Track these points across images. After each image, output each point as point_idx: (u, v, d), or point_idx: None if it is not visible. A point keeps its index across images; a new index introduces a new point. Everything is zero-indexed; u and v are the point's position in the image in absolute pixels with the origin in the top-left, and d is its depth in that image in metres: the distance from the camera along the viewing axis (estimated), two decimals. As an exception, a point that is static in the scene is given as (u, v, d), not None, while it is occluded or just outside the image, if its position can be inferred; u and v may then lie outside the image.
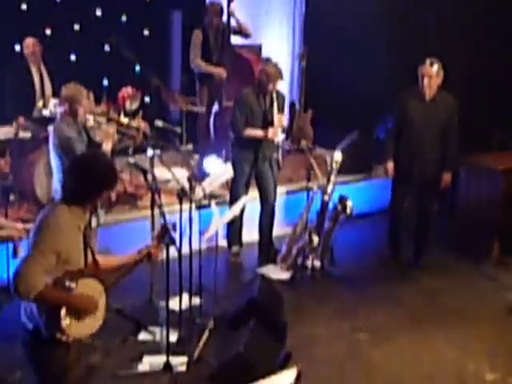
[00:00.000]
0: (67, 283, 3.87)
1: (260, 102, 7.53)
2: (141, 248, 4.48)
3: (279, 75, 7.46)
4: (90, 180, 3.99)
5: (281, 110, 7.68)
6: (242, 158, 7.59)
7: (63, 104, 6.21)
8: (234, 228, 7.89)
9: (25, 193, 7.86)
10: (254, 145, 7.56)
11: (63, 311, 3.86)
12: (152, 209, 6.67)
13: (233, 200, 7.52)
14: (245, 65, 9.19)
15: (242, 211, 7.43)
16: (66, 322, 3.88)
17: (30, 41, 8.66)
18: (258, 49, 9.92)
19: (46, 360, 4.01)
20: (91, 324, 4.07)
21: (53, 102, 8.13)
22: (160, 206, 5.41)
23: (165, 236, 4.76)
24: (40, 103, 8.38)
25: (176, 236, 5.07)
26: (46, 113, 8.23)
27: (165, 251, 5.25)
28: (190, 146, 9.73)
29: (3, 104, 8.62)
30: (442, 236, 8.47)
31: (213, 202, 6.71)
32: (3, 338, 5.59)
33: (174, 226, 4.95)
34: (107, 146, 6.23)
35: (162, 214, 5.19)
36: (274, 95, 7.55)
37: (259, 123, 7.53)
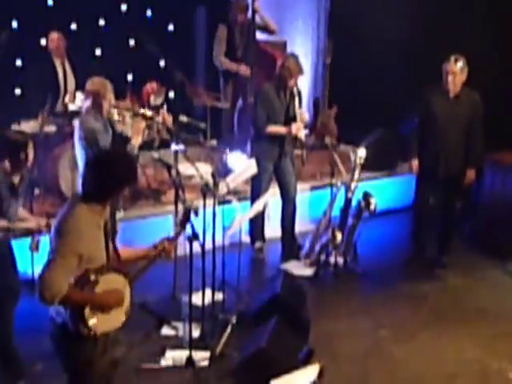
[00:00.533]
0: (92, 277, 3.90)
1: (281, 97, 7.46)
2: (157, 242, 4.46)
3: (300, 70, 7.42)
4: (109, 177, 3.99)
5: (299, 105, 7.64)
6: (264, 155, 7.50)
7: (88, 98, 6.26)
8: (257, 224, 7.88)
9: (49, 187, 7.91)
10: (277, 141, 7.51)
11: (87, 308, 3.90)
12: (176, 204, 6.68)
13: (255, 196, 7.48)
14: (270, 60, 9.15)
15: (264, 207, 7.42)
16: (91, 318, 3.91)
17: (54, 35, 8.73)
18: (282, 45, 9.91)
19: (74, 353, 4.04)
20: (117, 318, 4.09)
21: (79, 96, 8.17)
22: (184, 202, 5.41)
23: (188, 220, 4.80)
24: (67, 98, 8.42)
25: (197, 220, 5.08)
26: (72, 107, 8.27)
27: (188, 247, 5.30)
28: (214, 142, 9.73)
29: (28, 98, 8.67)
30: (467, 234, 8.42)
31: (234, 198, 6.71)
32: (27, 330, 5.63)
33: (196, 211, 4.97)
34: (136, 141, 6.26)
35: (187, 206, 5.20)
36: (295, 90, 7.52)
37: (281, 119, 7.48)
